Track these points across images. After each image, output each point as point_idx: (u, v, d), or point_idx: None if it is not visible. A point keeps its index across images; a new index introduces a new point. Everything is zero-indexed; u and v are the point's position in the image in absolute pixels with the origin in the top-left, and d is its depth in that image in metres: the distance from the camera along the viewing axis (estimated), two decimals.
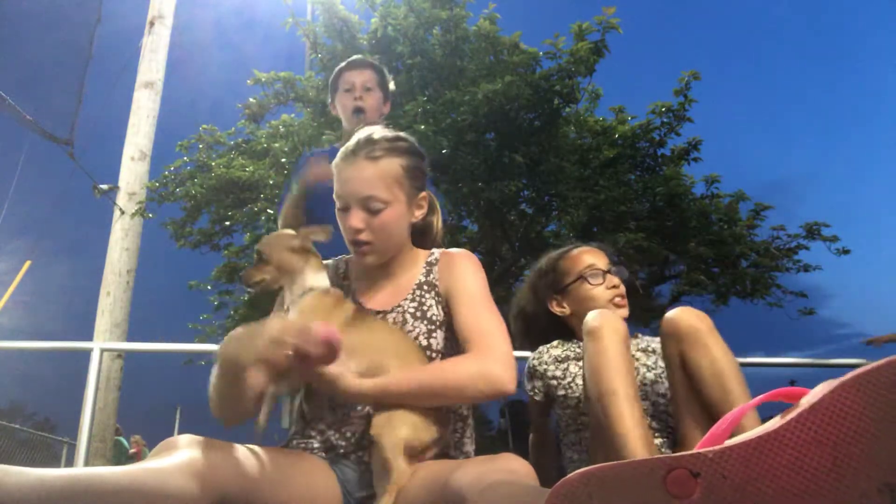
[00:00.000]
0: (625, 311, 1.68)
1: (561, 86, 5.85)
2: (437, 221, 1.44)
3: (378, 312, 1.31)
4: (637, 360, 1.65)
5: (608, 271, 1.73)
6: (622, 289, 1.72)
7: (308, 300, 1.23)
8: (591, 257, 1.76)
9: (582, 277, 1.72)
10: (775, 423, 0.59)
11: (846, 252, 6.78)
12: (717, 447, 0.58)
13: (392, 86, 2.34)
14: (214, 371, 1.12)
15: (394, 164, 1.26)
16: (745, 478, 0.57)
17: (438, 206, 1.45)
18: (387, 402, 1.14)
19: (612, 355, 1.36)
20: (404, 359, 1.19)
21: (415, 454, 1.10)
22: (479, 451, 1.23)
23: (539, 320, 1.81)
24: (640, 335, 1.78)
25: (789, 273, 6.99)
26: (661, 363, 1.65)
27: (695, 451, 0.60)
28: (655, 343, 1.71)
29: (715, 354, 1.36)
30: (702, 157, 6.81)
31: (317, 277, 1.27)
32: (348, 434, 1.21)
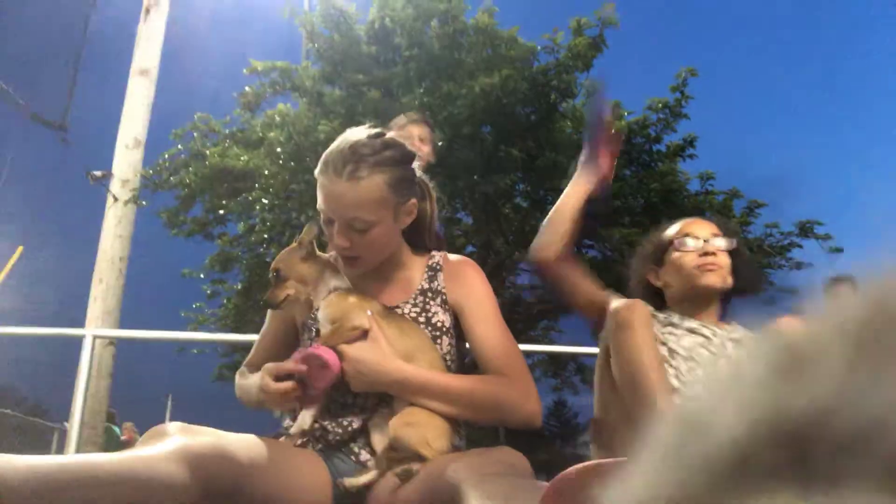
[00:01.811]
0: (712, 277, 1.56)
1: (558, 80, 5.85)
2: (431, 207, 1.40)
3: None
4: (727, 351, 1.58)
5: (706, 240, 1.59)
6: (718, 257, 1.57)
7: (333, 298, 1.24)
8: (690, 227, 1.64)
9: (673, 245, 1.62)
10: None
11: (839, 251, 6.81)
12: None
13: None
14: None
15: (377, 183, 1.18)
16: None
17: (433, 193, 1.41)
18: (418, 394, 1.15)
19: (646, 349, 1.32)
20: (432, 359, 1.21)
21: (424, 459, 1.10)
22: (472, 444, 1.23)
23: (637, 291, 1.71)
24: (732, 322, 1.67)
25: (782, 270, 7.02)
26: None
27: None
28: (744, 334, 1.64)
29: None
30: (697, 153, 6.82)
31: (337, 277, 1.28)
32: (345, 423, 1.21)
